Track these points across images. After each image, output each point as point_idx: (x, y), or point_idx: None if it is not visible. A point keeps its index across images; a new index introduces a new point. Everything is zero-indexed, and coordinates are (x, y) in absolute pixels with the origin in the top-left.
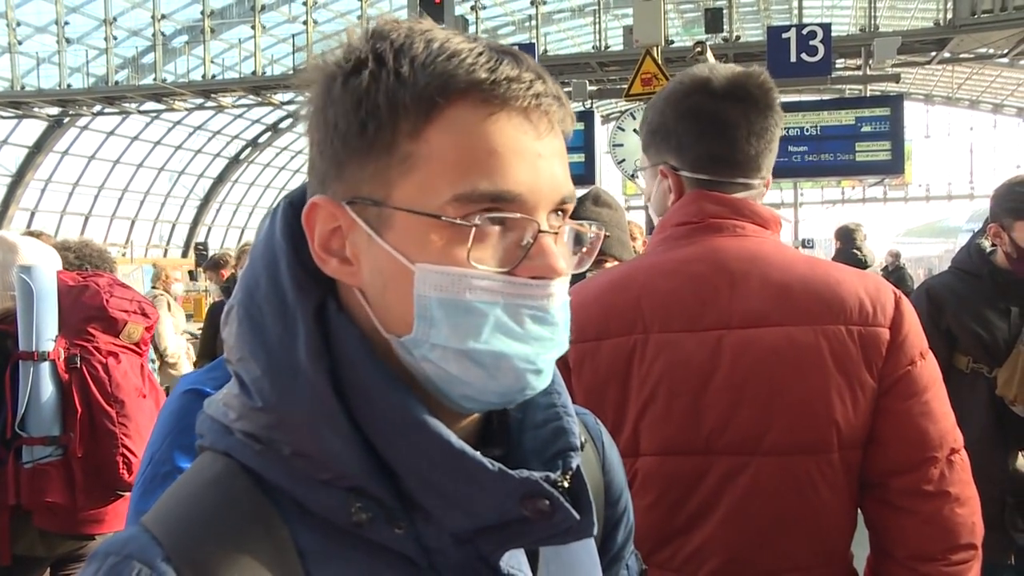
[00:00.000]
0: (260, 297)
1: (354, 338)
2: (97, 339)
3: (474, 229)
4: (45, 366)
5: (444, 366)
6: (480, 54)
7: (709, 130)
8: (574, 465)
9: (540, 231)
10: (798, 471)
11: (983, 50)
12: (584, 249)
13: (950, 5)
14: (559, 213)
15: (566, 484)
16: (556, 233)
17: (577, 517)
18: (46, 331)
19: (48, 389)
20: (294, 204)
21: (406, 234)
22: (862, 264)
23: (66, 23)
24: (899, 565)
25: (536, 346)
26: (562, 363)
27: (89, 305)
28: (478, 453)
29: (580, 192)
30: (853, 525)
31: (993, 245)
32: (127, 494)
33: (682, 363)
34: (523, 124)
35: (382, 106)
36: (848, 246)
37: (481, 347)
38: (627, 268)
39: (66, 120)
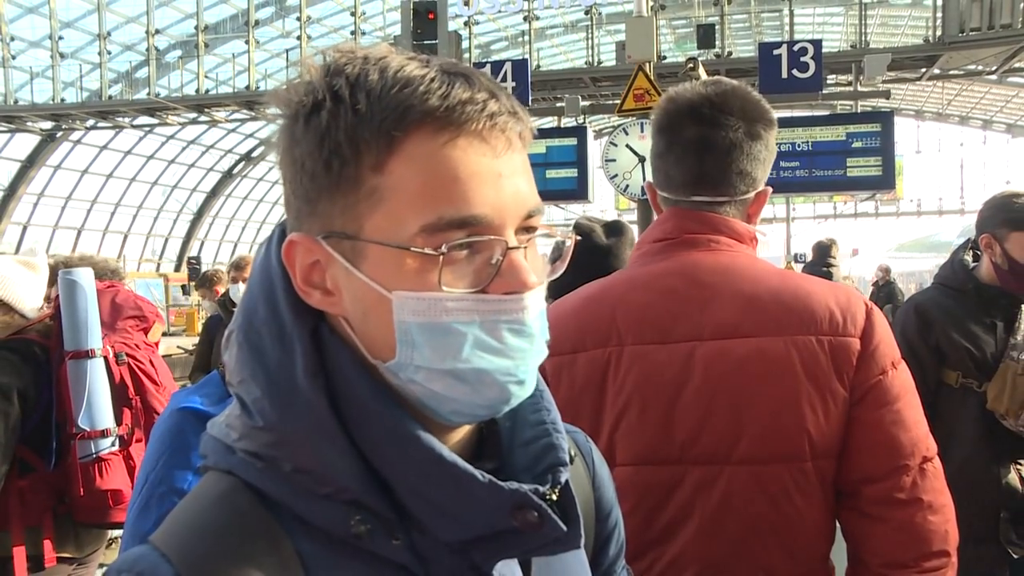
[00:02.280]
0: (259, 322)
1: (347, 358)
2: (133, 337)
3: (442, 258)
4: (99, 362)
5: (429, 386)
6: (432, 80)
7: (666, 150)
8: (563, 479)
9: (509, 248)
10: (771, 480)
11: (972, 67)
12: (561, 256)
13: (939, 23)
14: (527, 230)
15: (554, 497)
16: (525, 247)
17: (564, 529)
18: (95, 329)
19: (104, 384)
20: (287, 232)
21: (380, 264)
22: (827, 279)
23: (60, 38)
24: (873, 573)
25: (516, 358)
26: (540, 375)
27: (125, 305)
28: (469, 465)
29: (575, 206)
30: (831, 535)
31: (975, 260)
32: None
33: (655, 374)
34: (480, 146)
35: (343, 143)
36: (819, 261)
37: (463, 365)
38: (604, 283)
39: (59, 134)
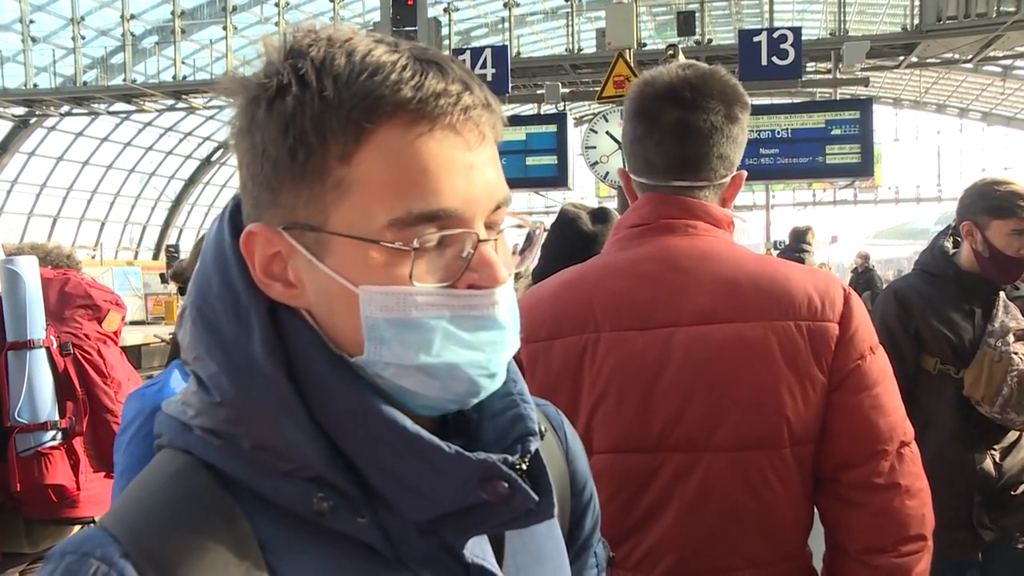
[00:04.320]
0: (213, 297)
1: (305, 333)
2: (84, 327)
3: (413, 253)
4: (40, 353)
5: (398, 382)
6: (404, 68)
7: (644, 134)
8: (532, 448)
9: (479, 241)
10: (749, 467)
11: (949, 55)
12: (529, 246)
13: (916, 11)
14: (496, 221)
15: (524, 467)
16: (495, 239)
17: (536, 498)
18: (37, 319)
19: (47, 375)
20: (241, 206)
21: (346, 257)
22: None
23: (31, 21)
24: (851, 559)
25: (488, 351)
26: (516, 362)
27: (74, 294)
28: (435, 437)
29: (554, 193)
30: (809, 521)
31: (955, 246)
32: None
33: (632, 361)
34: (453, 139)
35: (310, 132)
36: (793, 247)
37: (433, 360)
38: (580, 269)
39: (33, 120)
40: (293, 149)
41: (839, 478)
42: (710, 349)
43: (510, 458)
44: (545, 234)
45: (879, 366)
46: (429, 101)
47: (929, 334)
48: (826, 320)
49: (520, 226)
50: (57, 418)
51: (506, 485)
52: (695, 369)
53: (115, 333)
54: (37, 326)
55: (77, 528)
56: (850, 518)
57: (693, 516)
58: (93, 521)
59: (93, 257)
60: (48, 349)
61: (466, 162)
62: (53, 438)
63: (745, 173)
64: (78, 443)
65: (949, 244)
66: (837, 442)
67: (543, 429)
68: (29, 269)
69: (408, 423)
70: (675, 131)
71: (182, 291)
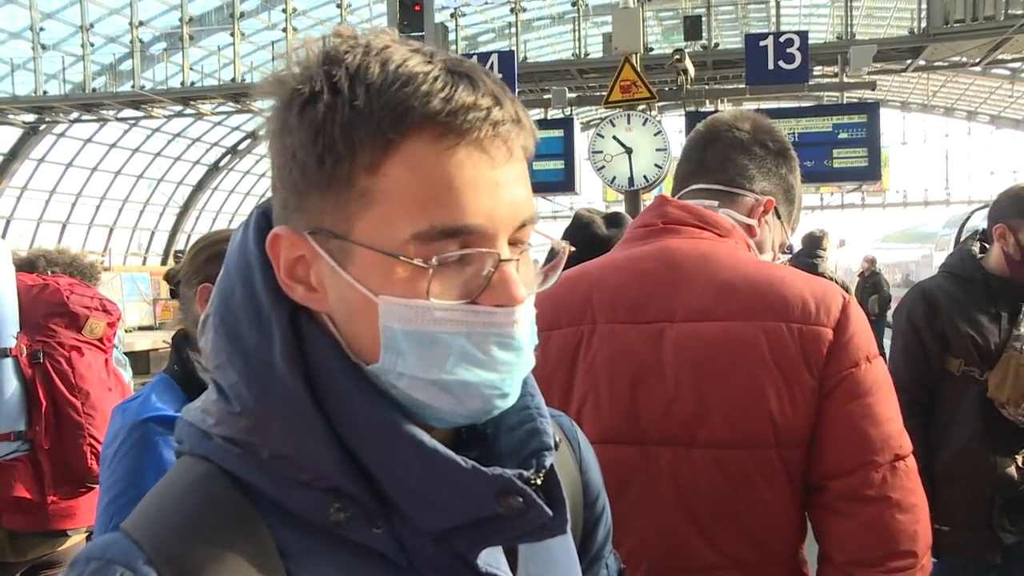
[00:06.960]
0: (236, 305)
1: (326, 344)
2: (59, 335)
3: (432, 270)
4: (7, 362)
5: (412, 393)
6: (436, 79)
7: (681, 155)
8: (547, 463)
9: (501, 260)
10: (734, 466)
11: (956, 58)
12: (552, 263)
13: (924, 14)
14: (520, 239)
15: (539, 482)
16: (518, 259)
17: (550, 513)
18: (7, 328)
19: (12, 384)
20: (267, 214)
21: (368, 267)
22: (812, 271)
23: (41, 29)
24: (837, 570)
25: (502, 371)
26: None
27: (49, 302)
28: (451, 452)
29: (562, 198)
30: (799, 528)
31: (983, 250)
32: (97, 486)
33: (623, 353)
34: (480, 156)
35: (339, 140)
36: (807, 252)
37: (447, 377)
38: (584, 265)
39: (42, 127)
40: (321, 156)
41: (827, 487)
42: (699, 346)
43: (525, 473)
44: (566, 253)
45: (875, 376)
46: (458, 114)
47: (955, 335)
48: (820, 324)
49: (545, 242)
50: (23, 428)
51: (521, 500)
52: (683, 365)
53: (102, 340)
54: (6, 335)
55: (72, 540)
56: (837, 528)
57: (678, 513)
58: (65, 533)
59: (102, 263)
60: (16, 358)
61: (492, 180)
62: (18, 449)
63: (772, 200)
64: (42, 454)
65: (977, 248)
66: (826, 450)
67: (557, 440)
68: (1, 277)
69: (425, 437)
70: (698, 140)
71: (174, 293)
